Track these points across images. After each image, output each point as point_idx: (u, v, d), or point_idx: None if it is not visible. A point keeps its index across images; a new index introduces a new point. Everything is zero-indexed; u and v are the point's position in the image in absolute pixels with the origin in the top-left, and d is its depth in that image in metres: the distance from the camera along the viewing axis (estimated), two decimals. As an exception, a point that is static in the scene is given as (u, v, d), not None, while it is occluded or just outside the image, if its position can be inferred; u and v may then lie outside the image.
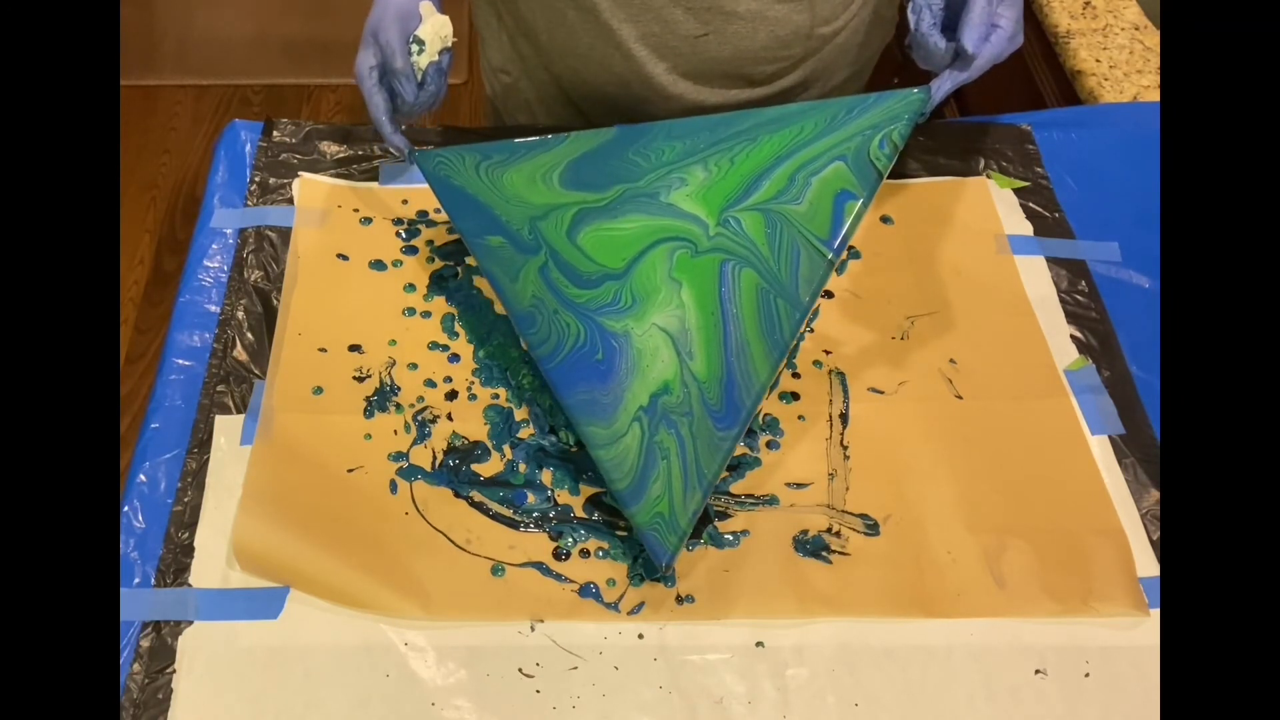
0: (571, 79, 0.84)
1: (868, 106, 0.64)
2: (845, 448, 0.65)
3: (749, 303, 0.61)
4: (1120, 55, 0.92)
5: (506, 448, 0.64)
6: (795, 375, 0.68)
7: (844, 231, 0.61)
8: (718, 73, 0.80)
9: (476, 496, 0.62)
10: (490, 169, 0.68)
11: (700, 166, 0.65)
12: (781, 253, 0.61)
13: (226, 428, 0.64)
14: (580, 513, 0.62)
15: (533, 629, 0.57)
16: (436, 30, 0.70)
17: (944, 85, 0.64)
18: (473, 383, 0.68)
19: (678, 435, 0.58)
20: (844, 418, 0.66)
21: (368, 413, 0.65)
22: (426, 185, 0.70)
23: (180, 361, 0.68)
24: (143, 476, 0.62)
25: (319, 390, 0.66)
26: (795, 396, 0.67)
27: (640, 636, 0.57)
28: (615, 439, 0.58)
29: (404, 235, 0.76)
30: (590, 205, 0.65)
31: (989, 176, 0.81)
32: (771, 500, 0.62)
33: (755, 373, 0.59)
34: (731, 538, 0.60)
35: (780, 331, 0.60)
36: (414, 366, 0.68)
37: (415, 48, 0.70)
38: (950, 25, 0.63)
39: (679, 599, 0.58)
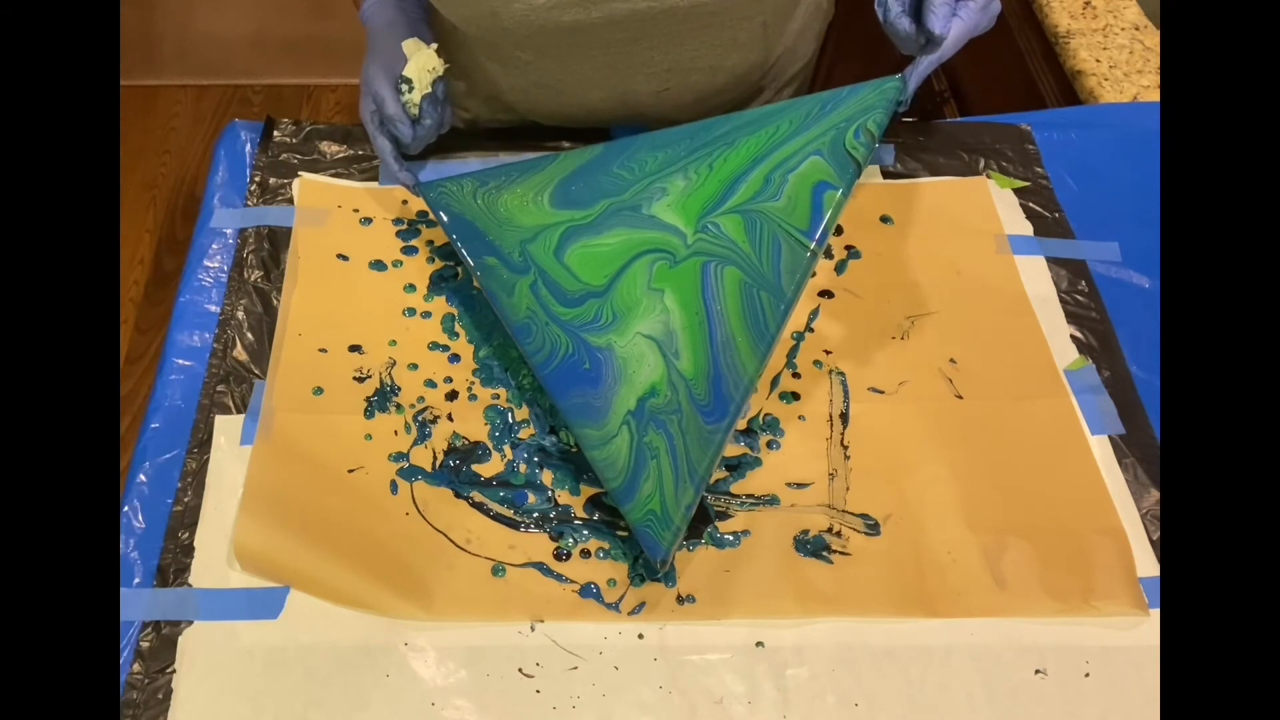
0: (536, 117, 0.87)
1: (842, 99, 0.63)
2: (845, 447, 0.65)
3: (733, 299, 0.61)
4: (1120, 55, 0.92)
5: (507, 448, 0.64)
6: (795, 375, 0.68)
7: (824, 221, 0.60)
8: (683, 117, 0.83)
9: (477, 497, 0.62)
10: (485, 194, 0.69)
11: (680, 175, 0.66)
12: (763, 247, 0.61)
13: (226, 428, 0.64)
14: (581, 513, 0.62)
15: (533, 629, 0.57)
16: (422, 65, 0.72)
17: (918, 70, 0.61)
18: (473, 383, 0.68)
19: (666, 434, 0.58)
20: (844, 417, 0.66)
21: (368, 413, 0.65)
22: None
23: (180, 361, 0.68)
24: (143, 476, 0.62)
25: (319, 390, 0.66)
26: (795, 396, 0.67)
27: (640, 636, 0.57)
28: (606, 440, 0.59)
29: (404, 235, 0.76)
30: (577, 223, 0.66)
31: (989, 176, 0.80)
32: (772, 500, 0.62)
33: (742, 366, 0.59)
34: (732, 538, 0.60)
35: (765, 324, 0.60)
36: (414, 367, 0.68)
37: (405, 87, 0.72)
38: (920, 5, 0.61)
39: (679, 599, 0.58)
